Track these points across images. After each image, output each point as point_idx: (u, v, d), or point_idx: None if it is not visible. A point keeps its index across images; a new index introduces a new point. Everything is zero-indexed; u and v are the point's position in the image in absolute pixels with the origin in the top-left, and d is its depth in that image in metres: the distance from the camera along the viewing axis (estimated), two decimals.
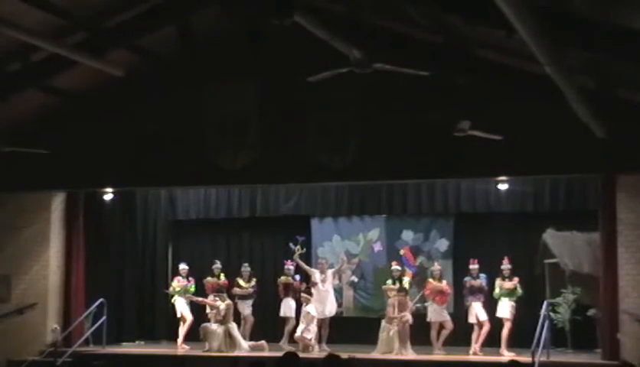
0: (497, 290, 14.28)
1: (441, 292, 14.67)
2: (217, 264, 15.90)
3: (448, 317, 14.61)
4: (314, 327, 14.69)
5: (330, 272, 15.42)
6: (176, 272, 16.41)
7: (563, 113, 10.96)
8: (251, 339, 15.28)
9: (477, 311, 14.32)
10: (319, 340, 14.90)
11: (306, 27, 10.02)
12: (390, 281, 14.93)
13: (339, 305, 16.04)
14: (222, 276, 15.82)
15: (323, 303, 15.06)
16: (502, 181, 14.81)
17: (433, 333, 14.54)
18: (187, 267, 16.00)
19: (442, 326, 14.57)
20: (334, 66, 10.14)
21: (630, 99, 11.43)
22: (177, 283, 15.86)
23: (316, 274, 15.30)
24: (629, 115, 11.57)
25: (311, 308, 14.75)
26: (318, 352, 14.19)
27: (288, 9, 9.07)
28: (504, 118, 12.12)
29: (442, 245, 16.27)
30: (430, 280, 14.84)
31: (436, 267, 15.00)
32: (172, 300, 15.90)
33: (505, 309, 14.17)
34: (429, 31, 11.90)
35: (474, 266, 14.55)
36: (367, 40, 10.62)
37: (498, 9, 7.35)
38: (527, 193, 15.38)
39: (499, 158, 12.51)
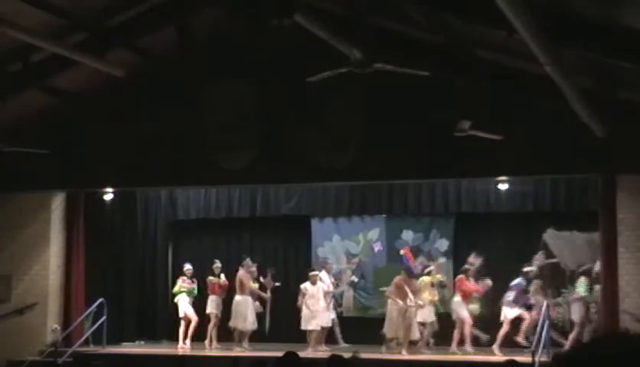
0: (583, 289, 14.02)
1: (474, 291, 14.59)
2: (217, 264, 15.87)
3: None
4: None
5: (321, 285, 15.20)
6: (176, 272, 16.42)
7: (563, 113, 10.96)
8: (250, 340, 15.28)
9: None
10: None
11: (306, 27, 10.02)
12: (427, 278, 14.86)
13: (339, 305, 16.03)
14: (222, 276, 15.81)
15: (315, 315, 14.91)
16: (502, 181, 14.82)
17: (458, 332, 14.45)
18: (191, 268, 15.99)
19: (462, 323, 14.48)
20: (334, 66, 10.13)
21: (630, 99, 11.43)
22: (181, 283, 15.84)
23: (308, 286, 15.12)
24: (629, 115, 11.56)
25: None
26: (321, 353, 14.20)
27: (288, 9, 9.07)
28: (504, 118, 12.13)
29: (442, 245, 16.26)
30: (463, 276, 14.65)
31: (474, 260, 14.84)
32: (175, 300, 15.89)
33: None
34: (429, 31, 11.90)
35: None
36: (367, 40, 10.61)
37: (498, 9, 7.35)
38: (527, 193, 15.38)
39: (499, 158, 12.51)
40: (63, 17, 11.86)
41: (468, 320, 14.41)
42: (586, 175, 13.70)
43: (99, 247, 16.28)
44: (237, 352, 14.61)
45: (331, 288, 15.43)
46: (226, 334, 15.43)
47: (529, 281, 14.45)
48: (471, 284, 14.57)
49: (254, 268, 15.56)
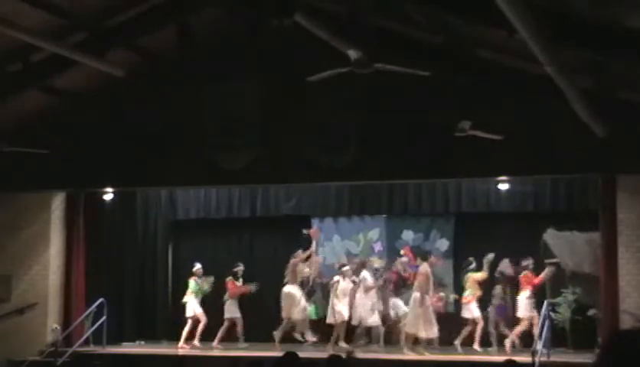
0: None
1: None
2: (241, 267, 15.72)
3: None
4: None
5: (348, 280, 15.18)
6: (176, 272, 16.40)
7: (563, 113, 10.96)
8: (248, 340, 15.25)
9: None
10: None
11: (306, 27, 10.03)
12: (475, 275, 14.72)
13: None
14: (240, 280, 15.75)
15: (342, 310, 14.81)
16: (502, 181, 14.82)
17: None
18: (201, 267, 15.85)
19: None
20: (334, 66, 10.13)
21: (630, 99, 11.44)
22: (193, 283, 15.74)
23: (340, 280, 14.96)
24: (629, 115, 11.57)
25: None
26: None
27: (288, 9, 9.08)
28: (504, 118, 12.13)
29: (443, 245, 16.26)
30: (528, 273, 14.42)
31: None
32: (184, 300, 15.79)
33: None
34: (429, 31, 11.90)
35: None
36: (367, 40, 10.62)
37: (498, 9, 7.36)
38: (527, 193, 15.37)
39: (499, 158, 12.51)
40: (63, 17, 11.87)
41: (535, 320, 14.08)
42: (586, 175, 13.70)
43: (99, 247, 16.26)
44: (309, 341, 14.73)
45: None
46: (226, 334, 15.42)
47: None
48: (536, 278, 14.29)
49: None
